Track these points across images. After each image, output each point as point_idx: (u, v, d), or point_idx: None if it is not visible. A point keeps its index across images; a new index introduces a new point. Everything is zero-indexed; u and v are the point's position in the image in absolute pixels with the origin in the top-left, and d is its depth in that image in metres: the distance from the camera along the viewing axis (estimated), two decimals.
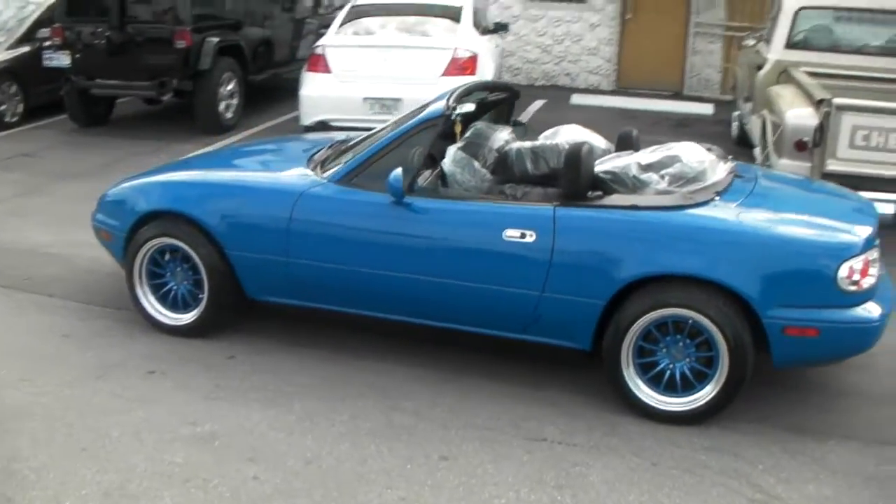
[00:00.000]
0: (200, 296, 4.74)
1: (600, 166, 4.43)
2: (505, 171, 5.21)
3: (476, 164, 4.74)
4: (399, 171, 4.21)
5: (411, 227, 4.29)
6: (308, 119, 8.70)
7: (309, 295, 4.58)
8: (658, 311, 3.97)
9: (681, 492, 3.56)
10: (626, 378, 4.10)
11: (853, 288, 3.90)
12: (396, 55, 8.62)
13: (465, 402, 4.20)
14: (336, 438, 3.85)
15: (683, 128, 10.94)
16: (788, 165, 6.43)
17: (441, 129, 4.44)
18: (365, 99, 8.53)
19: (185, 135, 9.54)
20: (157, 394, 4.19)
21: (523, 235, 4.11)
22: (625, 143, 4.93)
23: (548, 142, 5.05)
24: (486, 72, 8.97)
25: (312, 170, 4.72)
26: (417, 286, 4.32)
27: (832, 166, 6.15)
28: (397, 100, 8.48)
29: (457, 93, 4.69)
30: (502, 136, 5.30)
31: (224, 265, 4.63)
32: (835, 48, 8.20)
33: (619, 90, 13.07)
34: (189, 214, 4.63)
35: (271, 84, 10.99)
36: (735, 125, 10.05)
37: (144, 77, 9.35)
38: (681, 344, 4.04)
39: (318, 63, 8.71)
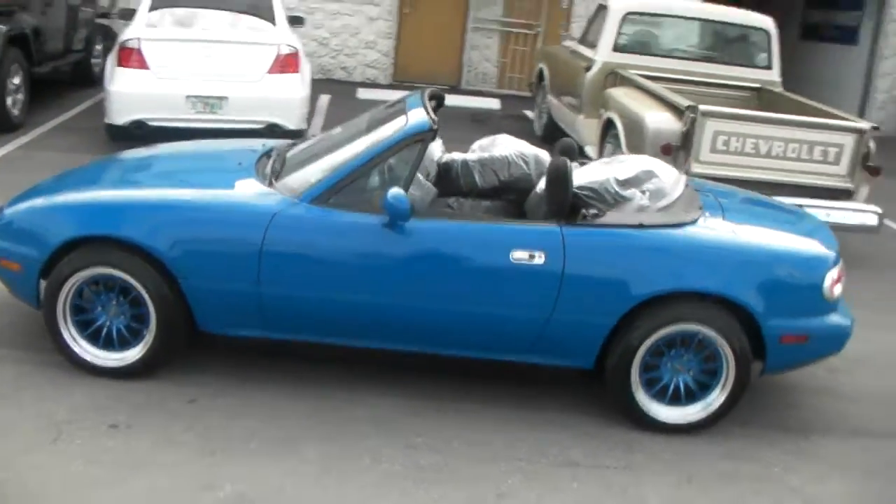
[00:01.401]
0: (144, 332, 4.12)
1: (576, 182, 4.39)
2: (449, 183, 5.05)
3: (420, 177, 4.53)
4: (399, 190, 3.91)
5: (410, 249, 4.00)
6: (121, 118, 7.83)
7: (283, 326, 4.14)
8: (671, 326, 4.03)
9: (705, 493, 3.65)
10: (636, 395, 4.12)
11: (833, 296, 4.21)
12: (220, 51, 7.99)
13: (478, 434, 4.01)
14: (377, 486, 3.53)
15: (481, 123, 11.18)
16: None
17: (429, 143, 4.18)
18: (188, 97, 7.84)
19: None
20: (138, 454, 3.58)
21: (532, 257, 3.99)
22: (566, 154, 4.92)
23: (496, 154, 4.95)
24: (305, 69, 8.61)
25: (269, 185, 4.25)
26: (416, 312, 4.05)
27: (696, 169, 6.57)
28: (222, 98, 7.91)
29: (425, 103, 4.44)
30: (436, 147, 5.12)
31: (174, 296, 4.05)
32: (657, 52, 8.78)
33: (396, 84, 13.08)
34: (134, 240, 3.98)
35: (51, 77, 9.74)
36: (539, 121, 10.45)
37: None
38: (684, 357, 4.13)
39: (132, 57, 7.83)
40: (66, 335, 4.13)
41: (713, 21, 8.85)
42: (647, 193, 4.36)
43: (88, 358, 4.15)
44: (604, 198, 4.31)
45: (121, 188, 4.38)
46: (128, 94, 7.79)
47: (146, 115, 7.82)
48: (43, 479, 3.35)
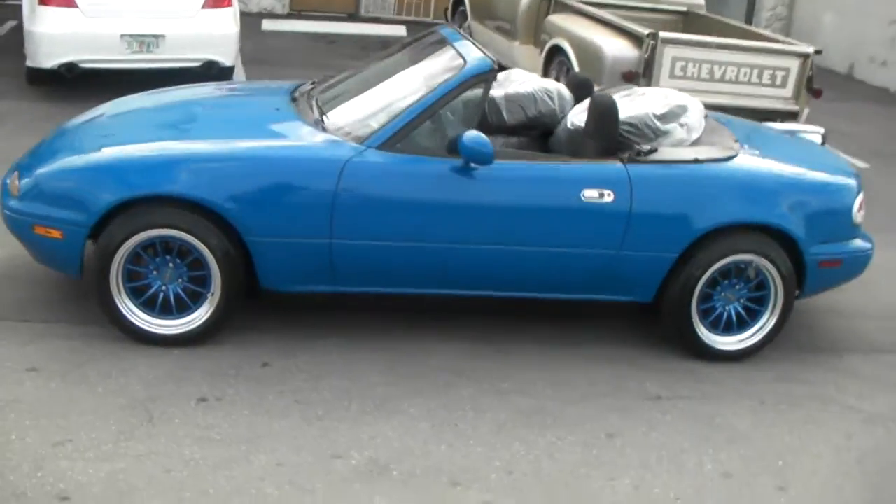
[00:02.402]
0: (205, 294, 3.92)
1: None
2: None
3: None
4: (478, 133, 3.86)
5: (486, 192, 3.98)
6: (49, 61, 7.22)
7: (353, 278, 4.04)
8: (729, 257, 4.20)
9: (808, 424, 3.90)
10: (696, 325, 4.28)
11: (858, 222, 4.49)
12: None
13: (556, 374, 4.08)
14: (496, 436, 3.55)
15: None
16: None
17: (491, 83, 4.12)
18: (122, 36, 7.31)
19: None
20: (244, 427, 3.45)
21: (601, 195, 4.05)
22: (582, 89, 4.94)
23: (522, 90, 4.91)
24: (235, 3, 8.19)
25: (323, 130, 4.08)
26: (491, 256, 4.05)
27: None
28: (159, 36, 7.44)
29: (470, 41, 4.37)
30: None
31: (237, 254, 3.88)
32: None
33: (293, 13, 12.60)
34: (196, 197, 3.77)
35: None
36: None
37: None
38: (736, 286, 4.31)
39: None
40: (120, 304, 3.88)
41: None
42: (685, 127, 4.46)
43: (146, 327, 3.93)
44: (644, 133, 4.39)
45: (169, 140, 4.07)
46: (56, 35, 7.17)
47: (77, 56, 7.26)
48: (164, 466, 3.17)
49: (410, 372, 3.94)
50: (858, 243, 4.51)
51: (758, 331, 4.36)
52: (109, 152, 3.94)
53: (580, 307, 4.43)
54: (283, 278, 3.99)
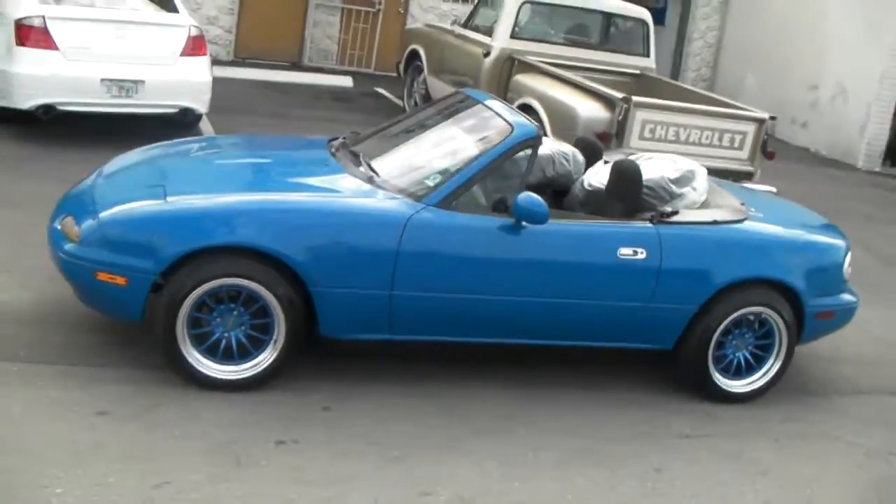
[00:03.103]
0: (267, 341, 4.07)
1: None
2: None
3: None
4: (532, 195, 4.17)
5: (535, 249, 4.27)
6: (27, 102, 7.19)
7: (408, 327, 4.26)
8: (743, 309, 4.60)
9: (820, 458, 4.33)
10: (711, 370, 4.66)
11: (847, 278, 4.98)
12: (133, 32, 7.53)
13: (593, 415, 4.39)
14: (559, 473, 3.82)
15: (345, 102, 11.28)
16: None
17: (538, 148, 4.44)
18: (103, 80, 7.35)
19: None
20: (331, 468, 3.61)
21: (635, 252, 4.40)
22: (591, 152, 5.32)
23: (541, 152, 5.24)
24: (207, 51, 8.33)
25: (375, 185, 4.31)
26: (536, 308, 4.33)
27: None
28: (139, 81, 7.51)
29: (505, 105, 4.70)
30: None
31: (300, 303, 4.06)
32: (548, 40, 9.36)
33: (237, 60, 12.72)
34: (268, 248, 3.93)
35: None
36: (409, 101, 10.73)
37: None
38: (746, 335, 4.72)
39: (36, 36, 7.17)
40: (184, 350, 3.99)
41: (598, 11, 9.54)
42: (697, 191, 4.88)
43: (209, 372, 4.03)
44: (661, 195, 4.78)
45: (231, 192, 4.22)
46: (35, 76, 7.15)
47: (56, 98, 7.26)
48: None
49: (466, 414, 4.17)
50: (847, 297, 4.99)
51: (764, 374, 4.77)
52: (179, 202, 4.06)
53: (591, 353, 4.73)
54: (342, 326, 4.17)
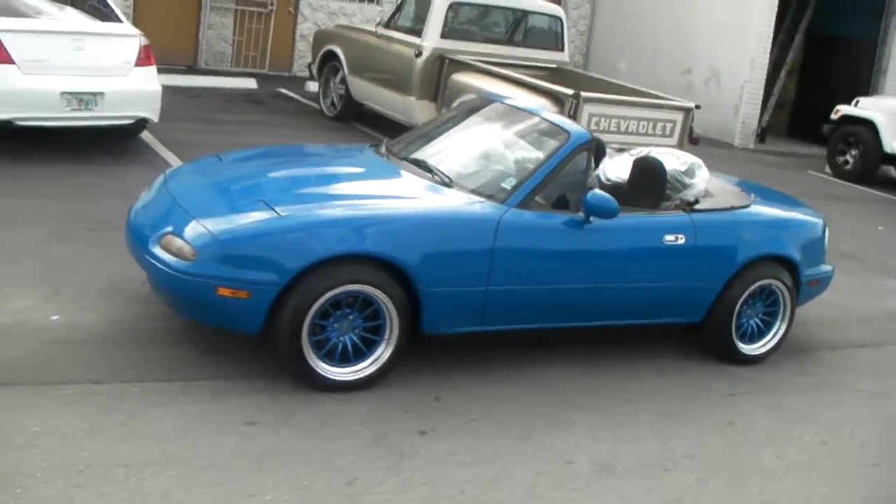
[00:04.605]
0: (379, 342, 4.40)
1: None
2: None
3: None
4: (601, 192, 4.69)
5: (601, 241, 4.79)
6: None
7: (501, 319, 4.68)
8: (758, 282, 5.32)
9: (840, 403, 5.12)
10: (734, 338, 5.35)
11: (826, 250, 5.82)
12: (90, 43, 7.45)
13: (657, 383, 4.98)
14: (661, 435, 4.38)
15: (259, 104, 11.36)
16: None
17: (593, 151, 4.96)
18: (62, 94, 7.25)
19: None
20: (482, 448, 4.02)
21: (676, 238, 5.02)
22: (600, 150, 5.87)
23: None
24: None
25: (452, 188, 4.70)
26: (602, 293, 4.87)
27: None
28: (98, 93, 7.44)
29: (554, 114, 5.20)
30: None
31: (409, 304, 4.42)
32: (474, 38, 9.85)
33: None
34: (385, 255, 4.26)
35: None
36: (325, 101, 10.96)
37: None
38: (757, 304, 5.45)
39: None
40: (308, 358, 4.23)
41: (517, 9, 10.13)
42: (703, 181, 5.55)
43: (332, 376, 4.31)
44: (675, 186, 5.41)
45: (337, 203, 4.49)
46: None
47: (14, 114, 7.10)
48: (459, 488, 3.68)
49: (557, 392, 4.66)
50: (827, 267, 5.81)
51: (773, 337, 5.51)
52: (294, 214, 4.28)
53: (621, 332, 5.32)
54: (443, 322, 4.54)
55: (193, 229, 4.24)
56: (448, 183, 4.75)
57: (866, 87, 14.74)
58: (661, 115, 8.42)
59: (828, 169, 12.92)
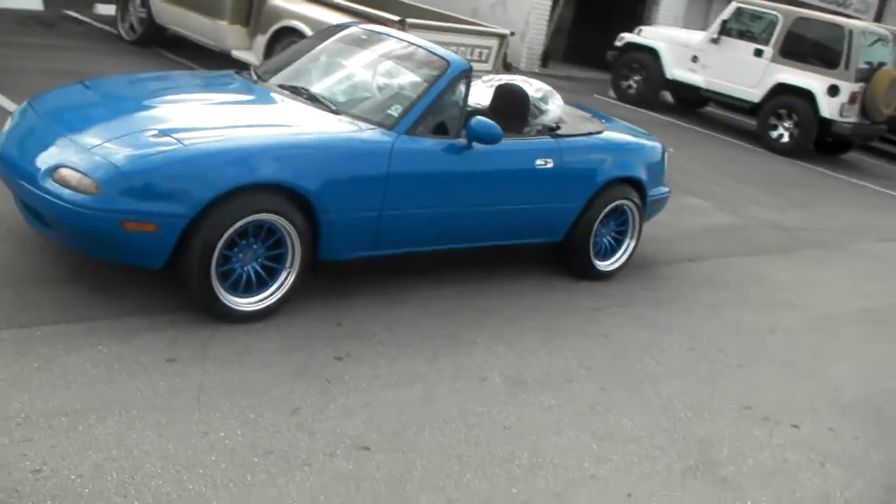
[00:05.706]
0: (280, 271, 4.39)
1: None
2: None
3: None
4: (487, 119, 4.85)
5: (483, 165, 4.96)
6: None
7: (391, 243, 4.76)
8: (611, 203, 5.74)
9: (689, 312, 5.69)
10: (591, 255, 5.77)
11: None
12: None
13: (530, 301, 5.29)
14: (553, 349, 4.68)
15: (51, 28, 10.53)
16: None
17: (471, 79, 5.09)
18: None
19: None
20: (401, 369, 4.14)
21: (546, 162, 5.32)
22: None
23: None
24: None
25: (348, 118, 4.69)
26: (483, 215, 5.09)
27: None
28: None
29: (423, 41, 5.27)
30: None
31: (310, 231, 4.43)
32: None
33: None
34: (289, 182, 4.19)
35: None
36: (124, 25, 10.34)
37: None
38: (610, 223, 5.90)
39: None
40: (216, 289, 4.15)
41: None
42: (558, 108, 5.88)
43: (235, 306, 4.24)
44: (532, 112, 5.70)
45: (237, 131, 4.32)
46: None
47: None
48: (399, 409, 3.80)
49: (447, 313, 4.84)
50: (665, 188, 6.35)
51: (623, 253, 5.99)
52: (198, 144, 4.10)
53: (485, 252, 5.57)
54: (339, 249, 4.57)
55: (91, 161, 3.95)
56: (335, 111, 4.73)
57: (640, 15, 15.73)
58: (478, 41, 8.68)
59: (612, 93, 13.79)
